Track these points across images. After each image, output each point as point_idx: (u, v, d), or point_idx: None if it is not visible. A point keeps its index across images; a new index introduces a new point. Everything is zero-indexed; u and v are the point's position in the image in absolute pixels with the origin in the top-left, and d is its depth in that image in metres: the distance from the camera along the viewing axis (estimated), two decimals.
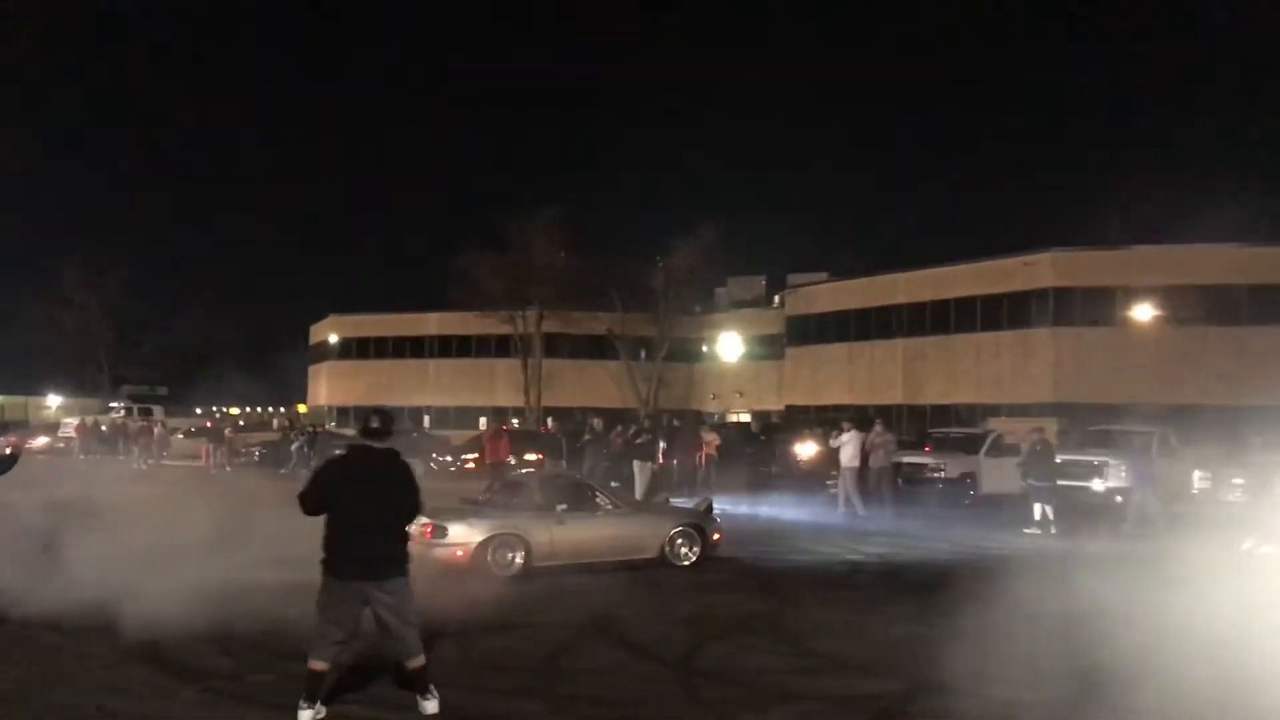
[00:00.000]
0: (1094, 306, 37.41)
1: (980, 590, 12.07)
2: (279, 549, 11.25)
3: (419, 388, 54.71)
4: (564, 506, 13.27)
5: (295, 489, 7.08)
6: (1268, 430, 21.18)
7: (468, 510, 13.41)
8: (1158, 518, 17.66)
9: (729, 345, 52.94)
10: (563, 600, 11.17)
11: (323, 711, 6.70)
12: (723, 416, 49.90)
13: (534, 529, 12.83)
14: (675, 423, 27.07)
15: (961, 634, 9.55)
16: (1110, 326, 36.63)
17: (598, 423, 23.40)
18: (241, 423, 47.21)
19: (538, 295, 49.30)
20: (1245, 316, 35.06)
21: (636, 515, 14.18)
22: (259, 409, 70.91)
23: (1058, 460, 19.39)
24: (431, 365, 56.41)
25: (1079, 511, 18.60)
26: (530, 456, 28.32)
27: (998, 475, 23.07)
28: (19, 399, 67.43)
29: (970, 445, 24.96)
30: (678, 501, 17.61)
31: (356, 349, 59.84)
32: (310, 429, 35.11)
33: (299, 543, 8.09)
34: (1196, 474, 20.43)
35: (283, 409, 64.97)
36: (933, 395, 41.81)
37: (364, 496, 6.70)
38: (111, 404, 51.16)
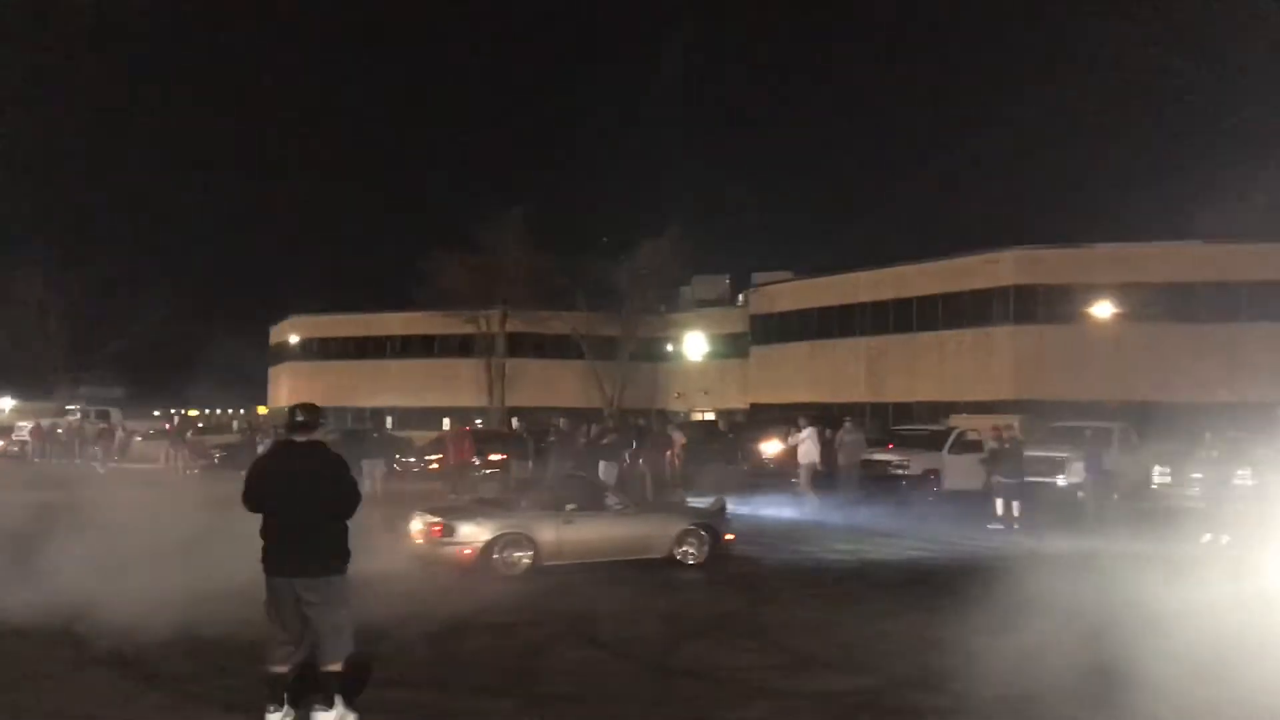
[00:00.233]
0: (1054, 304, 37.78)
1: (951, 587, 12.21)
2: (244, 551, 11.06)
3: (381, 388, 54.33)
4: (572, 506, 13.27)
5: None
6: (1225, 426, 21.50)
7: (476, 509, 13.53)
8: (1119, 512, 17.89)
9: (694, 344, 53.01)
10: (556, 599, 11.15)
11: (290, 714, 6.59)
12: (688, 415, 49.98)
13: (541, 528, 12.85)
14: (641, 422, 27.05)
15: (936, 630, 9.66)
16: (1070, 324, 36.99)
17: (563, 423, 23.35)
18: (201, 425, 46.61)
19: (502, 295, 49.13)
20: (1202, 313, 35.56)
21: (645, 515, 14.15)
22: (218, 411, 70.07)
23: (1024, 456, 19.59)
24: (394, 366, 56.03)
25: (1041, 507, 18.79)
26: (495, 457, 28.15)
27: (960, 472, 23.30)
28: None
29: (933, 442, 25.19)
30: (695, 501, 17.46)
31: (318, 349, 59.34)
32: (276, 430, 34.72)
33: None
34: (1156, 469, 20.72)
35: (242, 411, 64.29)
36: (896, 393, 42.07)
37: (289, 492, 6.59)
38: (68, 406, 50.34)
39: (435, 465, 29.71)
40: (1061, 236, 38.94)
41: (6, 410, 64.27)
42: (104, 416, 44.89)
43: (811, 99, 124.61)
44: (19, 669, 7.95)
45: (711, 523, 14.13)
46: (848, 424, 23.06)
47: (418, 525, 13.01)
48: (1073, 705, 7.29)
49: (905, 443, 25.70)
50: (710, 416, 46.92)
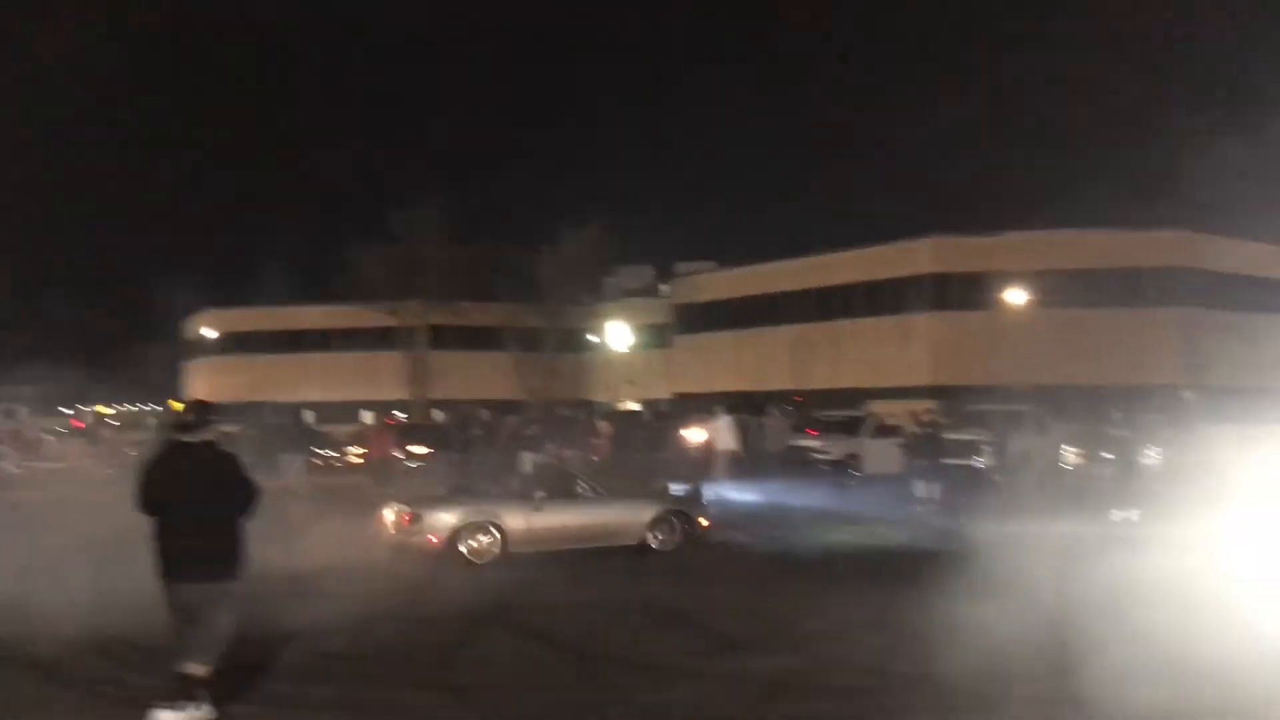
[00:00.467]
0: (971, 291, 38.54)
1: (875, 569, 12.46)
2: None
3: (302, 382, 53.28)
4: (543, 493, 13.27)
5: None
6: (1132, 407, 22.21)
7: (443, 497, 13.56)
8: (1033, 493, 18.33)
9: (618, 335, 53.03)
10: (507, 588, 11.11)
11: (211, 713, 6.37)
12: (613, 406, 50.01)
13: (509, 515, 12.83)
14: (566, 413, 27.06)
15: (868, 612, 9.85)
16: (986, 310, 37.79)
17: (486, 415, 23.29)
18: (117, 422, 45.44)
19: (423, 287, 48.62)
20: (1111, 299, 36.55)
21: (617, 502, 14.05)
22: (131, 407, 68.29)
23: (942, 440, 20.01)
24: (314, 359, 55.11)
25: (959, 489, 19.19)
26: (418, 450, 27.90)
27: (880, 456, 23.72)
28: None
29: (853, 428, 25.61)
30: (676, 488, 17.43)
31: (235, 344, 58.13)
32: (165, 429, 33.85)
33: None
34: (1068, 450, 21.32)
35: (157, 407, 62.77)
36: (819, 380, 42.52)
37: (179, 494, 6.30)
38: None
39: (357, 459, 29.38)
40: (978, 225, 39.68)
41: None
42: (9, 414, 43.48)
43: (735, 90, 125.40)
44: None
45: (685, 509, 14.09)
46: (773, 411, 23.36)
47: (390, 515, 13.04)
48: (996, 682, 7.45)
49: (827, 429, 26.09)
50: (636, 407, 47.04)
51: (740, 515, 17.67)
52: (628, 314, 53.40)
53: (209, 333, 58.90)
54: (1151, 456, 19.75)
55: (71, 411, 52.03)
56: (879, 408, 30.19)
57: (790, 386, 42.74)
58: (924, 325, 39.50)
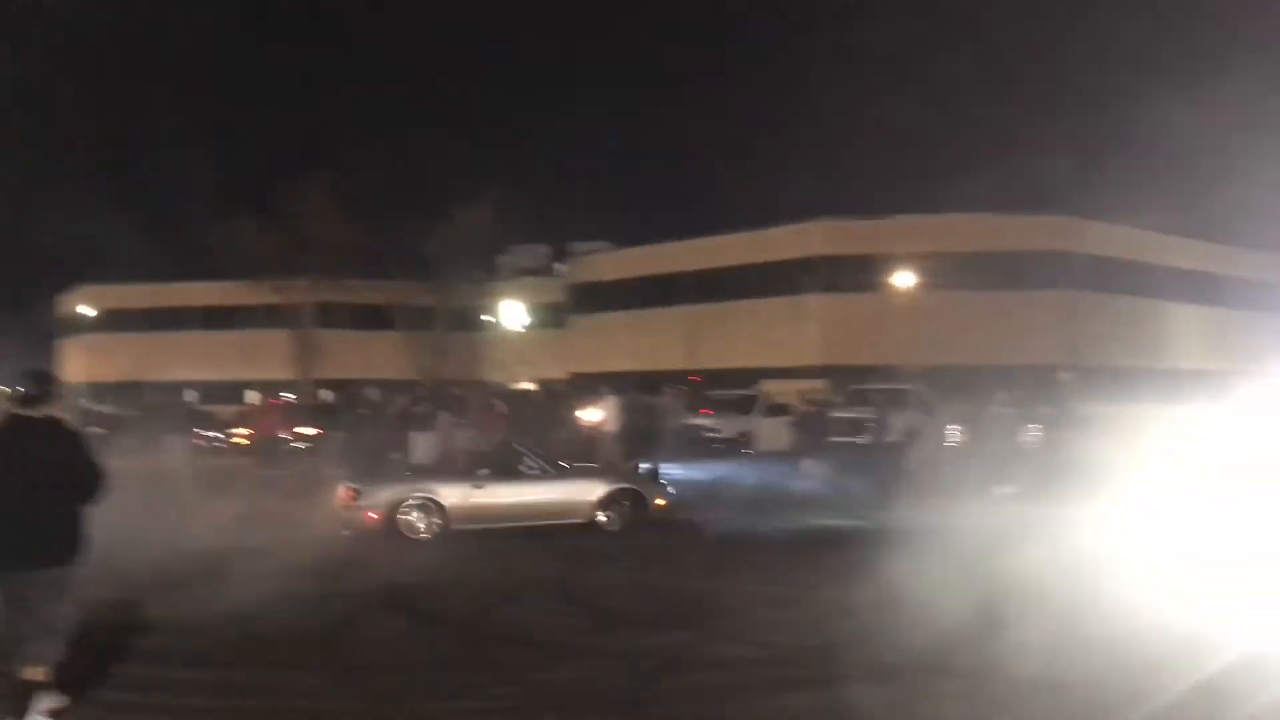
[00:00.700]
0: (861, 273, 39.19)
1: (815, 548, 12.56)
2: None
3: (184, 362, 51.69)
4: (486, 470, 13.30)
5: None
6: (1014, 387, 22.87)
7: (385, 473, 13.81)
8: (919, 469, 18.71)
9: (512, 314, 52.60)
10: (424, 567, 10.93)
11: (61, 702, 5.89)
12: (507, 386, 49.62)
13: (448, 492, 12.90)
14: (458, 392, 26.67)
15: (775, 589, 9.91)
16: (876, 292, 38.49)
17: (373, 393, 22.87)
18: None
19: (310, 263, 47.44)
20: (996, 282, 37.53)
21: (563, 480, 13.82)
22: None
23: (829, 418, 20.31)
24: (197, 338, 53.43)
25: (844, 466, 19.49)
26: (305, 430, 27.35)
27: (771, 434, 24.01)
28: None
29: (746, 407, 25.89)
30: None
31: (113, 321, 55.96)
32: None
33: None
34: (952, 428, 21.87)
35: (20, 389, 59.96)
36: (712, 360, 42.80)
37: (11, 473, 5.70)
38: None
39: (242, 440, 28.72)
40: (868, 209, 40.37)
41: None
42: None
43: (631, 71, 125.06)
44: None
45: (637, 488, 13.86)
46: (668, 391, 23.42)
47: (339, 491, 13.15)
48: (887, 652, 7.54)
49: (720, 408, 26.32)
50: (531, 387, 46.74)
51: (708, 496, 17.34)
52: (522, 293, 53.00)
53: (86, 310, 56.61)
54: (1031, 434, 20.36)
55: None
56: (771, 387, 30.54)
57: (685, 367, 42.97)
58: (815, 306, 40.06)
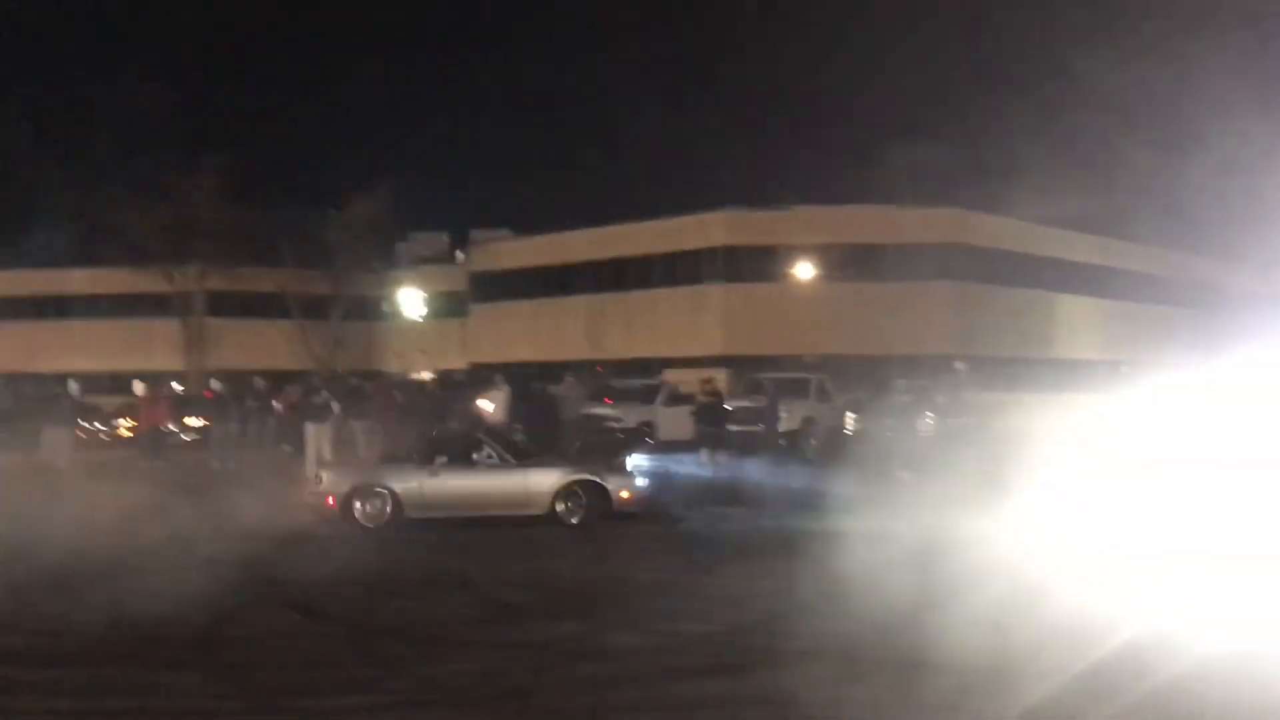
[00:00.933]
0: (761, 264, 39.50)
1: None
2: None
3: (66, 351, 49.74)
4: (444, 459, 13.17)
5: None
6: (910, 376, 23.30)
7: (344, 460, 14.33)
8: (816, 456, 18.92)
9: (410, 302, 51.82)
10: (339, 559, 10.65)
11: None
12: (405, 376, 48.87)
13: (402, 480, 12.88)
14: (354, 382, 26.08)
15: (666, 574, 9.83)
16: (776, 283, 38.83)
17: (259, 383, 22.25)
18: None
19: (200, 250, 46.01)
20: (892, 273, 38.14)
21: (521, 470, 13.29)
22: None
23: (727, 407, 20.34)
24: (80, 326, 51.46)
25: (742, 454, 19.53)
26: (193, 422, 26.62)
27: (673, 423, 23.98)
28: None
29: (647, 396, 25.86)
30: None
31: None
32: None
33: None
34: (849, 416, 22.19)
35: None
36: (614, 350, 42.76)
37: None
38: None
39: (126, 431, 27.98)
40: (769, 200, 40.63)
41: None
42: None
43: (530, 59, 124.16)
44: None
45: (597, 479, 13.20)
46: (568, 379, 23.21)
47: (307, 475, 13.63)
48: (768, 636, 7.52)
49: (621, 397, 26.23)
50: (428, 376, 46.10)
51: (696, 492, 16.23)
52: (421, 281, 52.22)
53: None
54: (926, 421, 20.72)
55: None
56: (674, 377, 30.56)
57: (586, 356, 42.85)
58: (717, 296, 40.26)
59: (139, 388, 23.73)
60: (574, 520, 12.94)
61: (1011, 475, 11.77)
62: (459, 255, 52.91)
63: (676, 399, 25.08)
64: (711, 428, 19.05)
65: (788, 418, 22.74)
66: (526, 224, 50.57)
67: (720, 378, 22.77)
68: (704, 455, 19.00)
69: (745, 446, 20.11)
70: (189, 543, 11.62)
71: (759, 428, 22.12)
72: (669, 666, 6.97)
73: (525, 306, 46.79)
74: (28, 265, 52.61)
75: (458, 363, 48.91)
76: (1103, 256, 43.41)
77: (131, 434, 26.60)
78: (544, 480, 13.17)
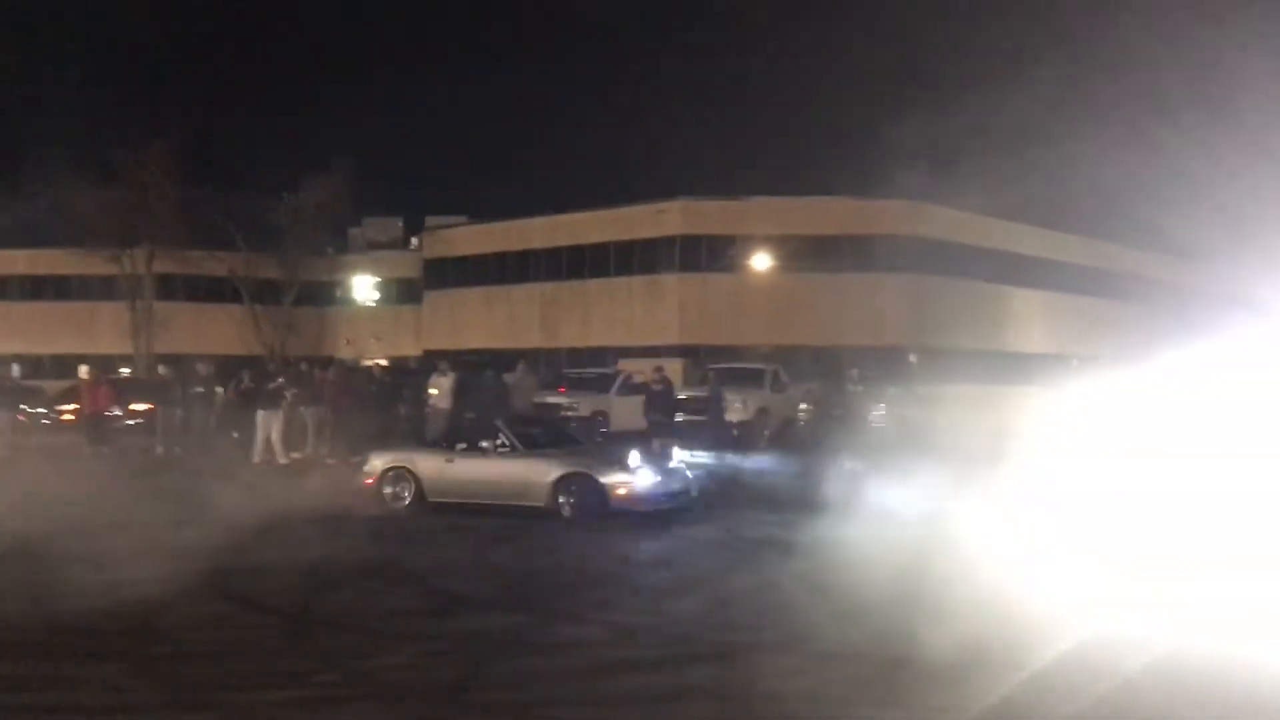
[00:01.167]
0: (718, 254, 39.48)
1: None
2: None
3: (6, 334, 48.74)
4: (463, 444, 13.37)
5: None
6: (862, 367, 23.39)
7: (394, 444, 14.70)
8: (768, 445, 18.89)
9: (364, 288, 51.33)
10: (315, 545, 10.50)
11: None
12: (357, 362, 48.36)
13: (424, 462, 13.17)
14: (303, 367, 25.70)
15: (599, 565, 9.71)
16: (732, 273, 38.83)
17: (203, 369, 21.82)
18: None
19: (148, 232, 45.16)
20: (846, 264, 38.29)
21: (523, 460, 12.75)
22: None
23: (680, 397, 20.30)
24: (21, 309, 50.41)
25: (693, 442, 19.47)
26: (139, 407, 26.09)
27: (627, 413, 23.90)
28: None
29: (602, 385, 25.76)
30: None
31: None
32: None
33: None
34: (802, 405, 22.22)
35: None
36: (569, 338, 42.62)
37: None
38: None
39: (69, 416, 27.38)
40: (725, 189, 40.59)
41: None
42: None
43: (488, 45, 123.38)
44: None
45: (589, 471, 12.30)
46: (521, 367, 22.98)
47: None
48: (720, 631, 7.44)
49: (575, 386, 26.11)
50: (381, 363, 45.68)
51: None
52: (375, 267, 51.74)
53: None
54: (878, 412, 20.82)
55: None
56: (630, 366, 30.46)
57: (542, 345, 42.66)
58: (673, 285, 40.18)
59: (84, 371, 23.25)
60: (570, 514, 12.18)
61: (962, 466, 11.79)
62: (413, 241, 52.45)
63: (631, 388, 24.99)
64: (661, 417, 18.99)
65: (742, 408, 22.68)
66: (482, 211, 50.19)
67: (675, 367, 22.67)
68: (654, 443, 18.92)
69: (692, 436, 20.02)
70: (127, 529, 11.34)
71: (705, 417, 22.08)
72: (611, 661, 6.85)
73: (480, 293, 46.48)
74: None
75: (412, 349, 48.54)
76: (1054, 250, 43.83)
77: (74, 419, 26.07)
78: (545, 470, 12.49)
